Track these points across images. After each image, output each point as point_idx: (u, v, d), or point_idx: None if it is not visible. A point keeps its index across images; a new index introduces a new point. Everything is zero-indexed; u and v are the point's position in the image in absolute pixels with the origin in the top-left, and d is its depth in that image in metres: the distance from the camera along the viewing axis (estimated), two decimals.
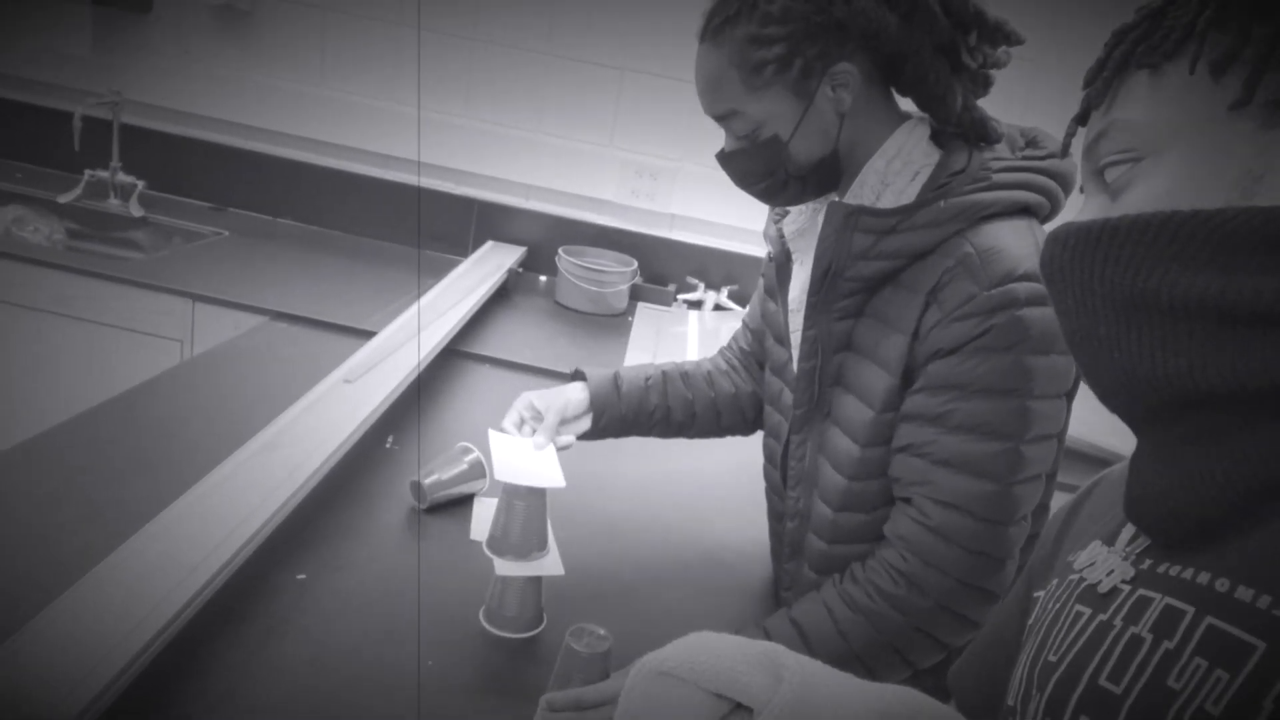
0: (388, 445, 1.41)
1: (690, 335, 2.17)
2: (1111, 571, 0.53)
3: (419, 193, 2.39)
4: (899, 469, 0.92)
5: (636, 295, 2.35)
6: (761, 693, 0.54)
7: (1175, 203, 0.48)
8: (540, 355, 1.89)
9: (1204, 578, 0.47)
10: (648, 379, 1.22)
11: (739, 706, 0.55)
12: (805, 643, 0.92)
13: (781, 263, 1.07)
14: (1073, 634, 0.53)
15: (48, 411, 1.34)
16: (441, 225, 2.43)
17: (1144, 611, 0.49)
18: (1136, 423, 0.53)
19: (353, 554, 1.12)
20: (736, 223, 2.35)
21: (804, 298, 0.98)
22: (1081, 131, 0.58)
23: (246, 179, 2.43)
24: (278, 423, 1.23)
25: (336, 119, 2.37)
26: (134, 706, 0.78)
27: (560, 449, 1.11)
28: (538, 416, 1.13)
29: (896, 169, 0.93)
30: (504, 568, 1.00)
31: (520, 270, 2.37)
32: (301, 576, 1.05)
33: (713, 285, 2.41)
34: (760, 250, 1.11)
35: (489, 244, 2.37)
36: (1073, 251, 0.52)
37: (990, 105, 0.95)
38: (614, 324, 2.21)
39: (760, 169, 0.96)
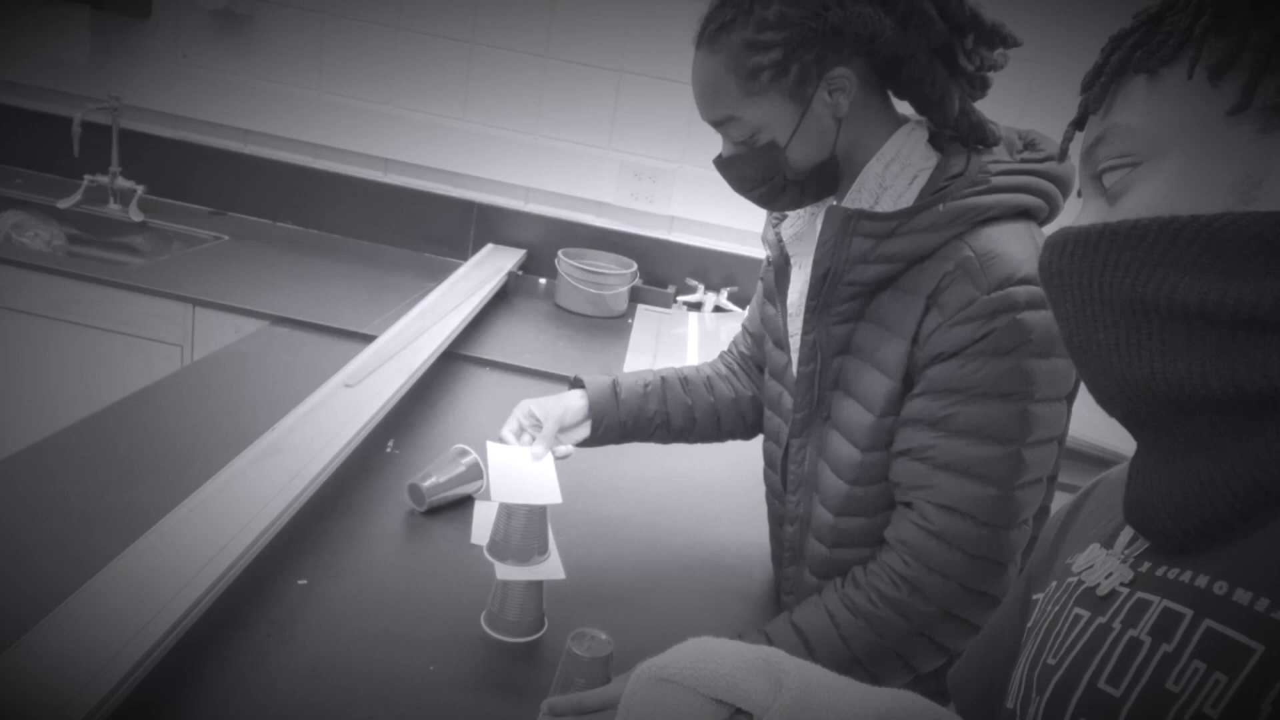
0: (388, 450, 1.41)
1: (690, 337, 2.17)
2: (1110, 574, 0.54)
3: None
4: (900, 473, 0.92)
5: (636, 297, 2.35)
6: (761, 698, 0.54)
7: (1173, 208, 0.48)
8: (540, 358, 1.89)
9: (1202, 580, 0.47)
10: (646, 385, 1.22)
11: (738, 712, 0.55)
12: (807, 647, 0.92)
13: (780, 267, 1.07)
14: (1071, 637, 0.53)
15: (49, 418, 1.34)
16: (441, 228, 2.43)
17: (1143, 614, 0.49)
18: (1135, 426, 0.53)
19: (354, 559, 1.12)
20: (736, 224, 2.35)
21: (803, 301, 0.98)
22: (1079, 136, 0.58)
23: (246, 183, 2.43)
24: (278, 428, 1.23)
25: (335, 123, 2.37)
26: (136, 713, 0.78)
27: (559, 458, 1.11)
28: (536, 425, 1.13)
29: (895, 173, 0.93)
30: (505, 572, 1.00)
31: (520, 273, 2.37)
32: (303, 582, 1.05)
33: (712, 287, 2.41)
34: (760, 251, 1.11)
35: (489, 247, 2.37)
36: (1071, 256, 0.52)
37: (988, 107, 0.95)
38: (614, 326, 2.21)
39: (758, 174, 0.96)
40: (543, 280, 2.42)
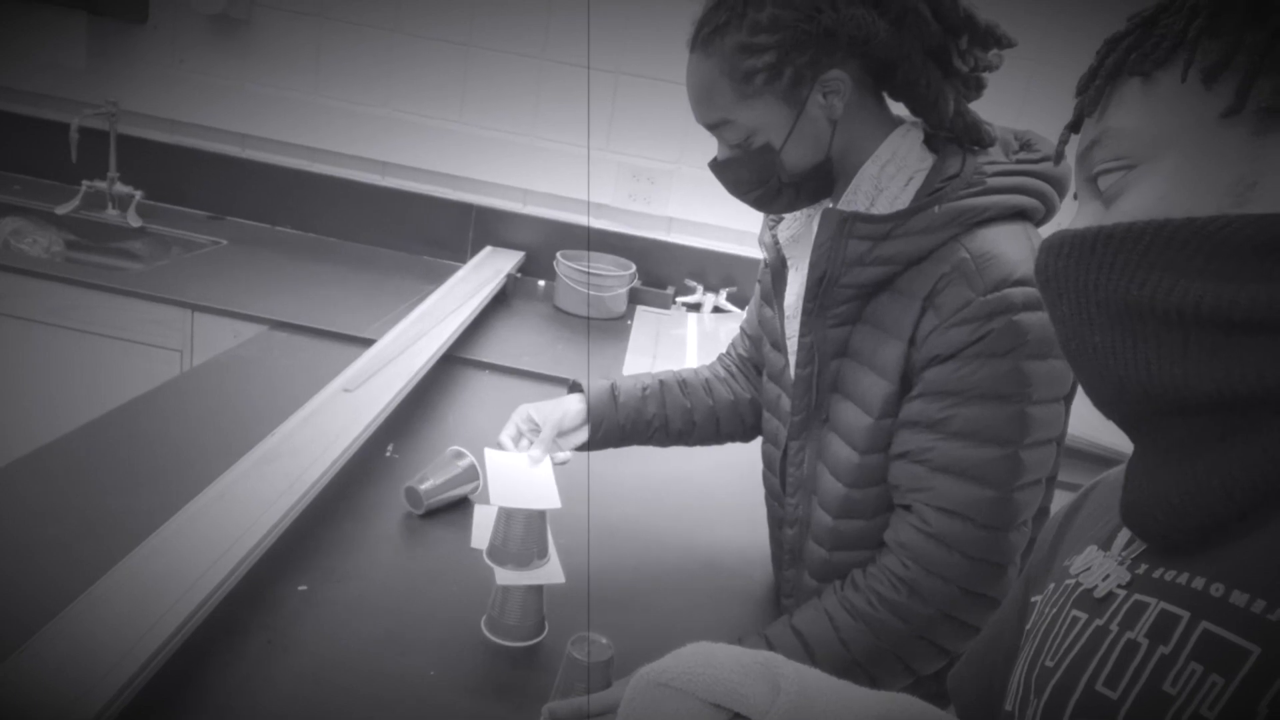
0: (388, 454, 1.41)
1: (689, 338, 2.17)
2: (1107, 576, 0.54)
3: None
4: (898, 475, 0.92)
5: (635, 299, 2.36)
6: (760, 702, 0.54)
7: (1169, 210, 0.48)
8: (540, 360, 1.89)
9: (1199, 582, 0.47)
10: (645, 388, 1.22)
11: (737, 716, 0.55)
12: (807, 650, 0.92)
13: (777, 269, 1.07)
14: (1069, 639, 0.53)
15: (48, 424, 1.34)
16: (439, 231, 2.43)
17: (1140, 616, 0.49)
18: (1131, 429, 0.53)
19: (354, 564, 1.12)
20: (734, 225, 2.35)
21: (800, 304, 0.98)
22: (1075, 138, 0.58)
23: (244, 187, 2.44)
24: (278, 433, 1.23)
25: (332, 126, 2.37)
26: (138, 719, 0.78)
27: (557, 464, 1.11)
28: (535, 429, 1.13)
29: (890, 174, 0.93)
30: (505, 577, 1.00)
31: (519, 275, 2.37)
32: (303, 587, 1.05)
33: (711, 287, 2.41)
34: (758, 252, 1.11)
35: (487, 249, 2.38)
36: (1067, 259, 0.52)
37: (985, 108, 0.95)
38: (613, 328, 2.21)
39: (753, 177, 0.96)
40: (541, 282, 2.42)
